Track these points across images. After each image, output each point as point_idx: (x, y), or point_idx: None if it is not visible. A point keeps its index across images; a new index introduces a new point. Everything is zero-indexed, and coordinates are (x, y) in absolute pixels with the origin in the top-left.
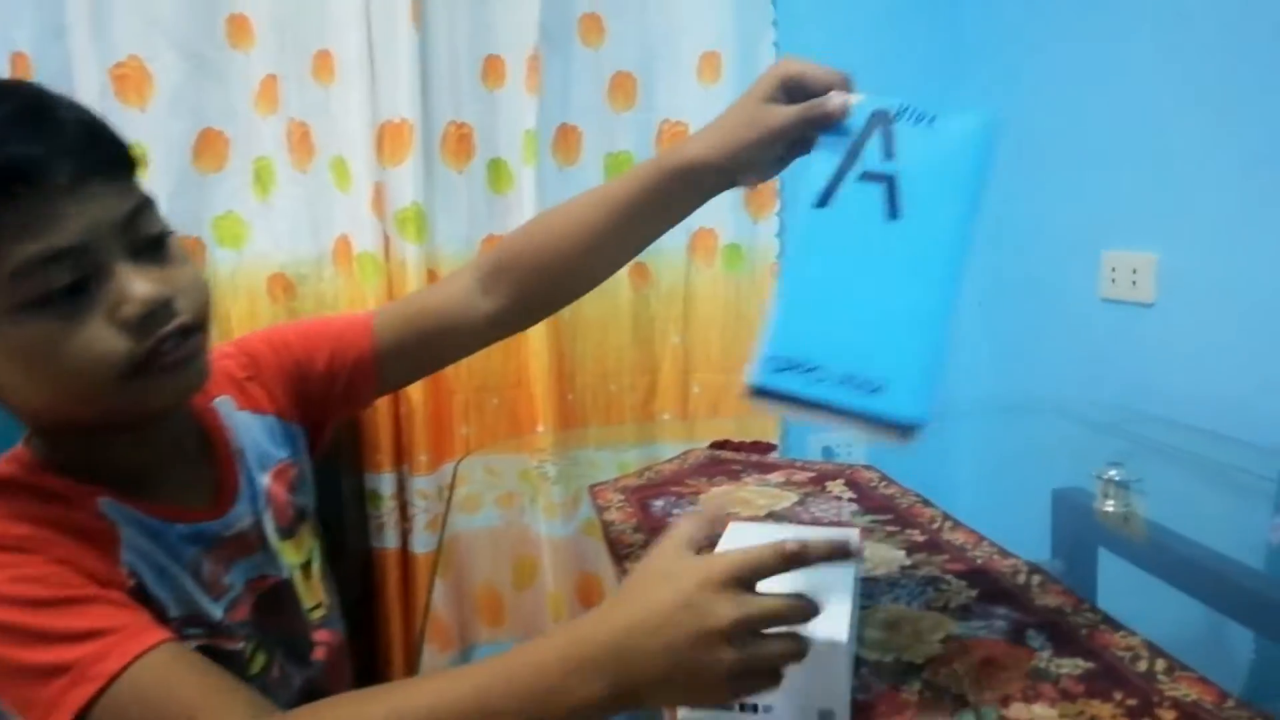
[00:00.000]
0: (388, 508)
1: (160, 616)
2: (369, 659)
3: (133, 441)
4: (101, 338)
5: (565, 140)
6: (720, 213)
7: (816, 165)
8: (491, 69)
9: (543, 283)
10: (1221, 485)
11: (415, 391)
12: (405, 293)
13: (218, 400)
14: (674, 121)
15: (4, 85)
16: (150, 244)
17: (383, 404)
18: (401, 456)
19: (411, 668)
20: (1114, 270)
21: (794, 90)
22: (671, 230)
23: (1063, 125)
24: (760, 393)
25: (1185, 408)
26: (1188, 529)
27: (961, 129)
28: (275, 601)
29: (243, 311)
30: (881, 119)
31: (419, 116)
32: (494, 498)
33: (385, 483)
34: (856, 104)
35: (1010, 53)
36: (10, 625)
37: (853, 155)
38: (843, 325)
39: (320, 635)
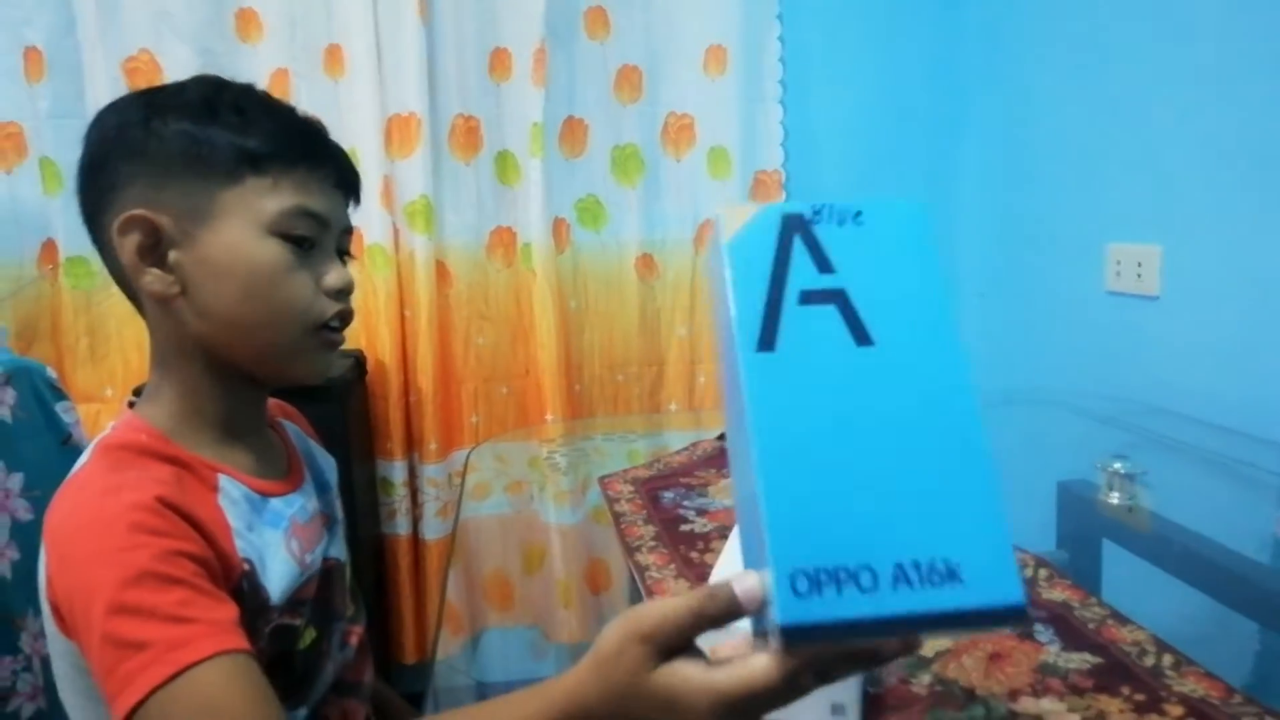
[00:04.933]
0: (399, 495)
1: (264, 603)
2: (382, 643)
3: (248, 401)
4: (309, 288)
5: (572, 132)
6: (726, 203)
7: (737, 292)
8: (498, 62)
9: None
10: (1227, 478)
11: (425, 380)
12: (415, 286)
13: (284, 421)
14: (679, 114)
15: (305, 114)
16: (344, 255)
17: (393, 393)
18: (412, 444)
19: (423, 651)
20: (1119, 263)
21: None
22: (678, 221)
23: (1064, 116)
24: (799, 633)
25: (1191, 401)
26: (1192, 522)
27: (896, 219)
28: (332, 582)
29: None
30: (796, 226)
31: (427, 110)
32: (503, 485)
33: (396, 470)
34: (754, 216)
35: (1012, 46)
36: (115, 593)
37: (779, 277)
38: (865, 501)
39: (351, 627)
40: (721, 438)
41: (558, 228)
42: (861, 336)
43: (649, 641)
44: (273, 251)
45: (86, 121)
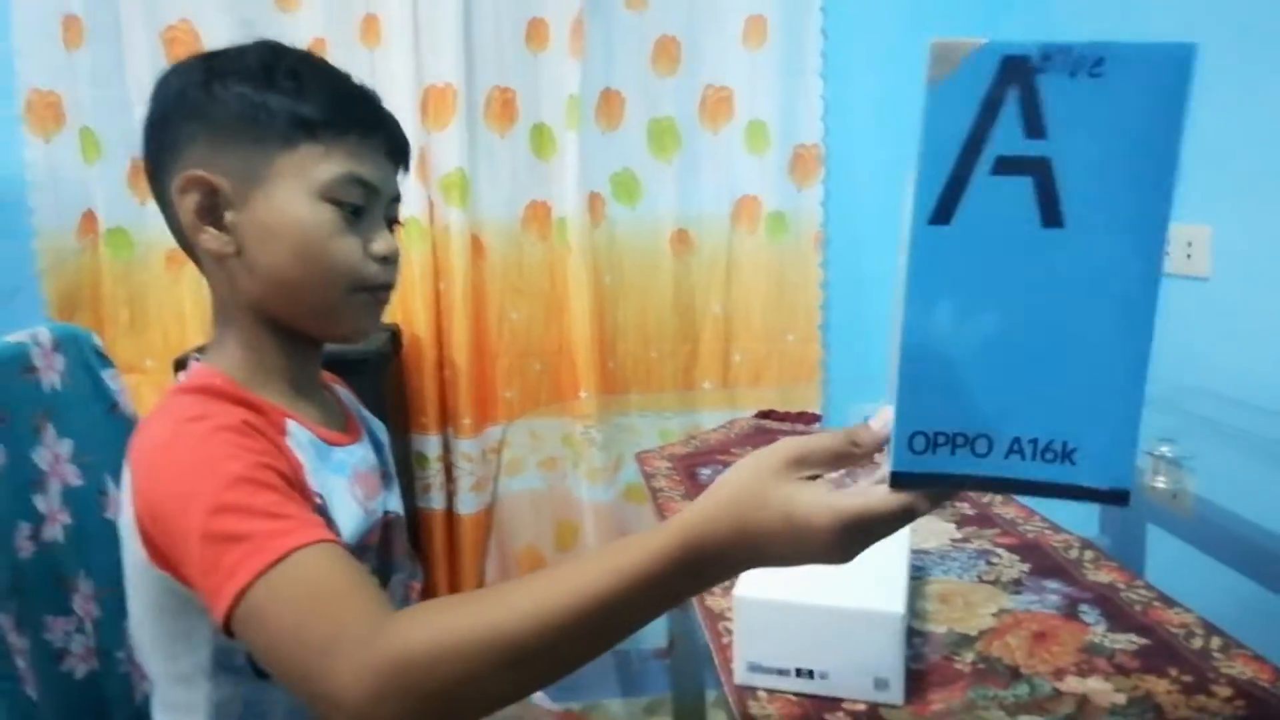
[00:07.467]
0: (433, 470)
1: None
2: None
3: (305, 357)
4: (356, 252)
5: (609, 105)
6: (764, 180)
7: (924, 154)
8: (535, 33)
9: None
10: (1275, 463)
11: (459, 355)
12: (450, 259)
13: (334, 385)
14: (718, 87)
15: (360, 83)
16: (393, 224)
17: (428, 367)
18: (446, 419)
19: None
20: (1168, 243)
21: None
22: (714, 196)
23: None
24: (908, 480)
25: (1240, 384)
26: (1239, 506)
27: (1146, 74)
28: (392, 535)
29: None
30: (1016, 74)
31: (462, 80)
32: (537, 461)
33: (431, 444)
34: (971, 54)
35: (1058, 19)
36: (213, 496)
37: (978, 137)
38: (1002, 379)
39: (411, 583)
40: (758, 415)
41: (593, 202)
42: (1051, 216)
43: (789, 462)
44: (322, 216)
45: (125, 90)
